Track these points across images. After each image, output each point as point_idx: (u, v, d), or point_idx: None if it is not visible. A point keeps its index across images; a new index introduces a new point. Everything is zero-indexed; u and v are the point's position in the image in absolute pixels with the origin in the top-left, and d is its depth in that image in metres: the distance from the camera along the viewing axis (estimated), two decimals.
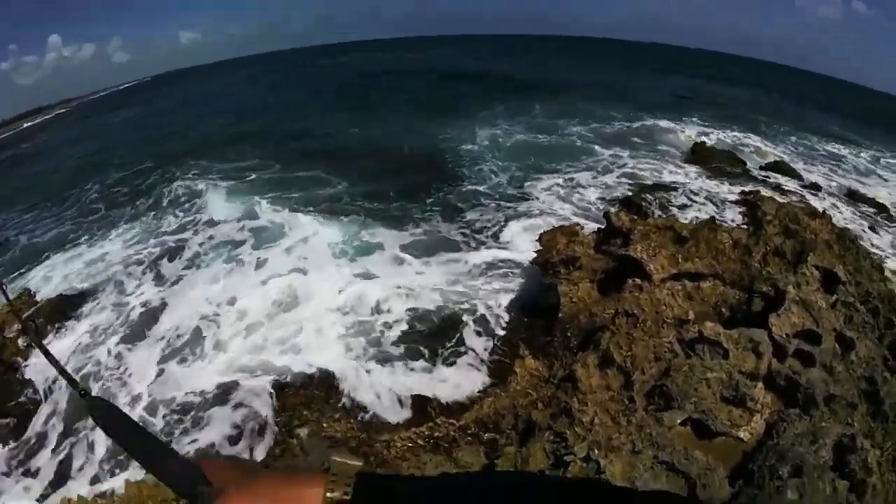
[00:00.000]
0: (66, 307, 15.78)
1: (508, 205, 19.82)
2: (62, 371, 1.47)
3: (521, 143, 30.30)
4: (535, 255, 13.44)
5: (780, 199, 14.74)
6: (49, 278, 18.31)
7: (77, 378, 1.42)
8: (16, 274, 18.97)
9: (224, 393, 11.66)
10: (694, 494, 6.86)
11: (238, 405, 11.29)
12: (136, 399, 11.90)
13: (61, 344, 13.91)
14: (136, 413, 11.39)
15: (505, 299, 13.87)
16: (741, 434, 7.80)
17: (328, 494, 1.14)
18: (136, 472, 10.04)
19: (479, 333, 12.73)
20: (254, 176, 26.01)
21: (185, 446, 10.53)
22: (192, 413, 11.37)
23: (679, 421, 8.08)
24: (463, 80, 57.91)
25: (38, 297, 15.97)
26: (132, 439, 1.33)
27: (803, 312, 9.06)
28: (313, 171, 26.02)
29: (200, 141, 36.19)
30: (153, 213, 22.92)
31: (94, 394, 1.38)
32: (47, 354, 1.52)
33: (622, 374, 9.21)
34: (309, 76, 78.75)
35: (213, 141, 35.65)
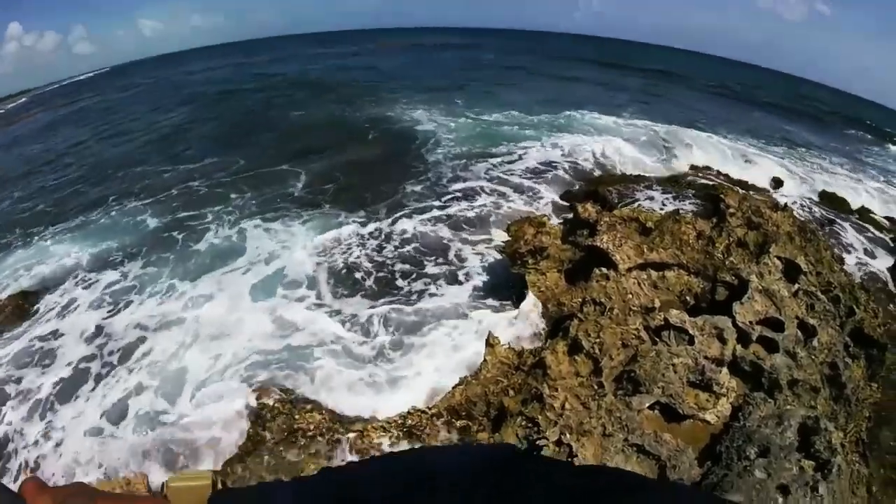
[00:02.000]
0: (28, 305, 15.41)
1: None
2: None
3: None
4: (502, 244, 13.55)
5: (742, 192, 15.11)
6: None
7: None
8: None
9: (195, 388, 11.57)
10: (664, 475, 7.03)
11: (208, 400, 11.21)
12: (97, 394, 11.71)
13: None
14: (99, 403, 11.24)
15: (473, 289, 13.94)
16: (708, 417, 8.00)
17: None
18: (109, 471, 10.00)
19: (448, 323, 12.74)
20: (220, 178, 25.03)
21: (157, 438, 10.42)
22: (165, 405, 11.25)
23: (647, 405, 8.25)
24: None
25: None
26: None
27: (766, 301, 9.33)
28: (276, 168, 25.61)
29: (157, 137, 35.18)
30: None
31: None
32: None
33: (591, 361, 9.37)
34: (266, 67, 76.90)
35: (170, 138, 34.62)
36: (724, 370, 8.50)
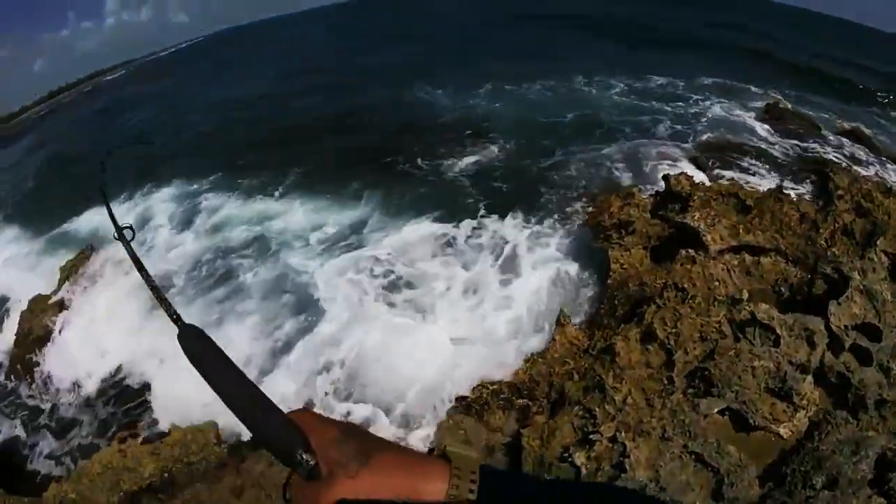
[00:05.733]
0: None
1: None
2: (155, 290, 1.31)
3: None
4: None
5: (854, 171, 13.74)
6: None
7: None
8: None
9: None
10: (720, 491, 6.64)
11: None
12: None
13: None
14: None
15: (551, 261, 13.42)
16: (781, 430, 7.45)
17: (451, 492, 0.97)
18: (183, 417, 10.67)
19: (521, 297, 12.44)
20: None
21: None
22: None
23: (717, 410, 7.78)
24: None
25: None
26: (224, 380, 1.15)
27: (866, 303, 8.48)
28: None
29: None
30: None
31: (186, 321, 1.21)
32: (141, 269, 1.39)
33: (664, 352, 8.87)
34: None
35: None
36: (809, 379, 7.85)
